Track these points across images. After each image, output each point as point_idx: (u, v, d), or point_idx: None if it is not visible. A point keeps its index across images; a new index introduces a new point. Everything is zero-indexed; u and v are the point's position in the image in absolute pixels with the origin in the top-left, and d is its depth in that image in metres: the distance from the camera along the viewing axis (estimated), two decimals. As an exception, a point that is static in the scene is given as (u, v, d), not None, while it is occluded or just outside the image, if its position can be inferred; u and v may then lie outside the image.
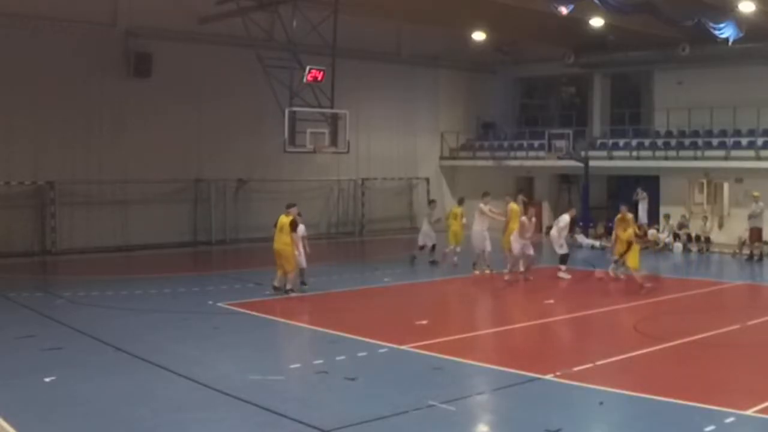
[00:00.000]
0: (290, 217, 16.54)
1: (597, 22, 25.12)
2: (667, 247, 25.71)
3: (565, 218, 20.30)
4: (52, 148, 23.84)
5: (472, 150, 33.75)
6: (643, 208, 26.54)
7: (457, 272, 20.40)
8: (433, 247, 21.75)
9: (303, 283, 17.29)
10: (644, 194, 26.92)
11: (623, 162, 28.61)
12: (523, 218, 19.45)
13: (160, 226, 25.40)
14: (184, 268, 17.99)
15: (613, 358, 11.60)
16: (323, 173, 29.39)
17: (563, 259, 19.88)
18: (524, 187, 31.85)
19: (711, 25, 23.38)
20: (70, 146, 24.19)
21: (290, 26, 22.02)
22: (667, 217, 26.36)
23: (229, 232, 27.06)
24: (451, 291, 19.05)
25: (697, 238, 25.87)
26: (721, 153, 26.18)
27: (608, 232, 28.03)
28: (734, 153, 25.87)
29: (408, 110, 32.49)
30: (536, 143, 30.76)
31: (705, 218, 26.19)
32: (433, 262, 21.48)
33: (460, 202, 22.36)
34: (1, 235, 23.03)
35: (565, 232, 20.29)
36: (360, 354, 11.90)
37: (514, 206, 19.95)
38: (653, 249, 25.54)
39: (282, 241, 16.41)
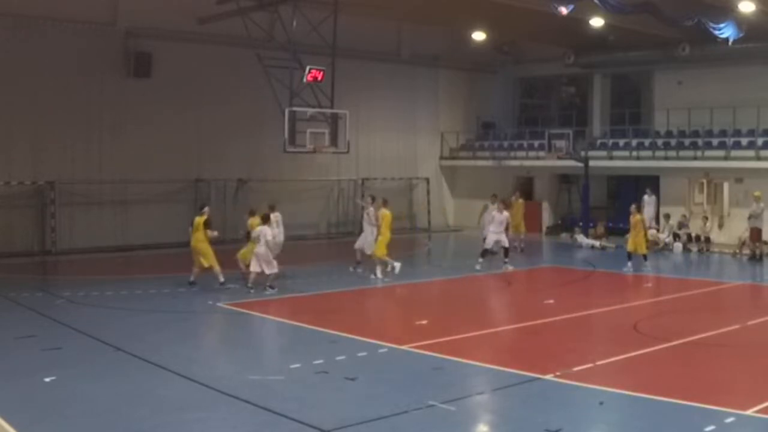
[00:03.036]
0: (204, 217, 17.72)
1: (597, 22, 25.12)
2: (667, 247, 25.70)
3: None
4: (52, 148, 23.83)
5: (472, 150, 33.74)
6: (647, 211, 26.46)
7: (457, 272, 20.39)
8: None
9: (271, 287, 17.35)
10: (649, 198, 26.62)
11: (623, 162, 28.61)
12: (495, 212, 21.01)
13: (160, 226, 25.35)
14: (184, 268, 17.97)
15: (613, 358, 11.60)
16: (323, 173, 29.38)
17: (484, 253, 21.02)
18: (524, 187, 31.93)
19: (711, 25, 23.38)
20: (70, 146, 24.17)
21: (290, 26, 22.02)
22: (667, 216, 26.34)
23: (229, 232, 26.92)
24: (451, 291, 19.05)
25: (697, 238, 25.87)
26: (721, 153, 26.17)
27: (608, 231, 28.17)
28: (734, 153, 25.85)
29: (408, 110, 32.48)
30: (536, 143, 30.75)
31: (705, 218, 26.18)
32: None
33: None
34: (1, 235, 23.02)
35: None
36: (360, 354, 11.90)
37: (385, 212, 19.58)
38: (653, 249, 25.55)
39: (196, 238, 17.61)
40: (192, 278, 17.74)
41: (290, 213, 21.92)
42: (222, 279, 17.48)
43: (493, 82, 35.13)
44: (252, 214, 18.63)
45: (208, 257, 17.55)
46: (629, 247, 20.88)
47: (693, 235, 26.00)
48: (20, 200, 23.64)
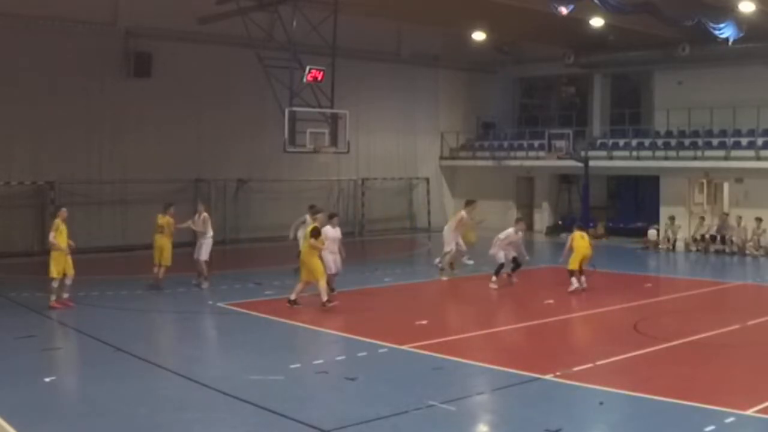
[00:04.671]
0: (167, 218, 17.69)
1: (597, 22, 25.11)
2: (667, 248, 25.67)
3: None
4: (52, 148, 23.83)
5: (472, 150, 33.74)
6: None
7: (457, 272, 20.37)
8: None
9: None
10: None
11: (623, 162, 28.61)
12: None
13: (160, 225, 25.37)
14: (184, 268, 17.97)
15: (613, 358, 11.60)
16: (323, 173, 29.36)
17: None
18: (524, 187, 31.94)
19: (711, 25, 23.38)
20: (70, 146, 24.17)
21: (290, 26, 22.02)
22: (672, 218, 26.27)
23: (229, 232, 27.03)
24: (451, 291, 19.05)
25: (702, 238, 25.73)
26: (721, 153, 26.17)
27: (608, 231, 28.17)
28: (734, 153, 25.86)
29: (408, 110, 32.48)
30: (536, 143, 30.75)
31: (701, 218, 26.17)
32: None
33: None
34: (1, 235, 23.02)
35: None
36: (360, 354, 11.90)
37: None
38: (653, 249, 25.54)
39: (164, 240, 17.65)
40: (160, 275, 17.65)
41: (290, 213, 21.85)
42: (160, 277, 17.52)
43: (493, 82, 35.14)
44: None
45: (169, 258, 17.59)
46: (574, 265, 17.59)
47: (728, 237, 25.06)
48: (20, 200, 23.65)
